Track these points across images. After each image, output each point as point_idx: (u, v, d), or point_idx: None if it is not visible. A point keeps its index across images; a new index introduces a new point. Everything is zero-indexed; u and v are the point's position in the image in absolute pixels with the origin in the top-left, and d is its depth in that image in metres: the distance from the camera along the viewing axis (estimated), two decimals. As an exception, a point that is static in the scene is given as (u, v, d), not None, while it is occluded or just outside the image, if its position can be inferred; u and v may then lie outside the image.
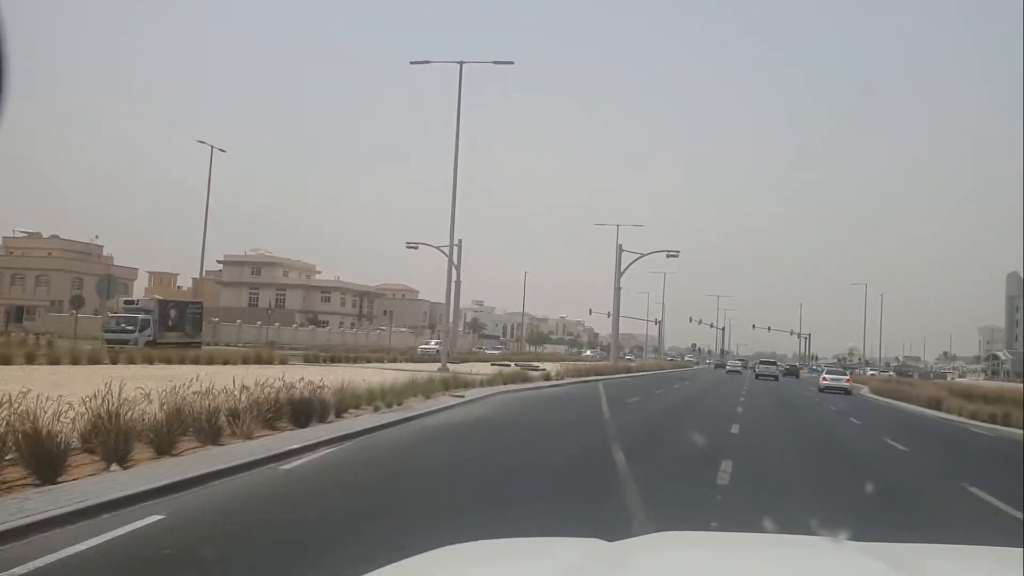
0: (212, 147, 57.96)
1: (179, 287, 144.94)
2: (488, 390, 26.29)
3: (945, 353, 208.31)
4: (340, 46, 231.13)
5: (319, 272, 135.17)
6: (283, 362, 40.19)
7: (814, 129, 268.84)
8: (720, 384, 52.72)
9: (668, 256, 55.82)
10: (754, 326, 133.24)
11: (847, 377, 56.66)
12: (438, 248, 58.24)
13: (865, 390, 62.34)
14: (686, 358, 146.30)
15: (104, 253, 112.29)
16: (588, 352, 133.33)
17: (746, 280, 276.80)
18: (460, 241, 58.00)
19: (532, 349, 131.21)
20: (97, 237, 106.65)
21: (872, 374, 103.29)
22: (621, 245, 57.07)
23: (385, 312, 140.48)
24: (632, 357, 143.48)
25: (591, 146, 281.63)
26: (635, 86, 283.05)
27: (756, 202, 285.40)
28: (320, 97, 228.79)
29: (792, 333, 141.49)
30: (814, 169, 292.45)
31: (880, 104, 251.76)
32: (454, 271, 58.90)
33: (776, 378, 70.60)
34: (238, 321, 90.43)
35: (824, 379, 53.76)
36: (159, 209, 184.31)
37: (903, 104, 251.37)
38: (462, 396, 21.93)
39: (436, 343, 67.01)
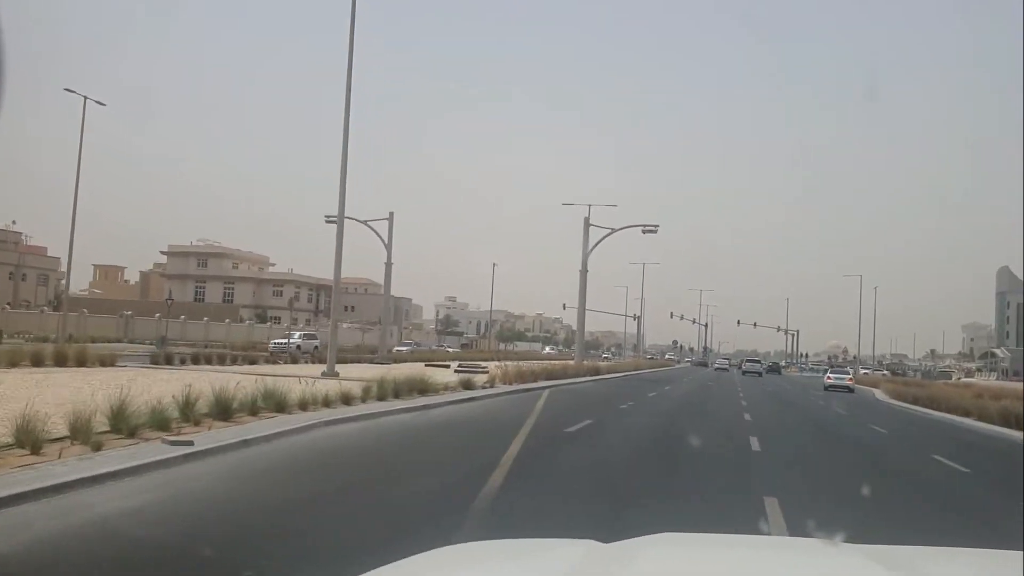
0: (85, 98, 45.24)
1: (126, 281, 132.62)
2: (310, 417, 14.29)
3: (933, 351, 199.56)
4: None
5: (273, 264, 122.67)
6: (107, 363, 28.17)
7: (806, 128, 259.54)
8: (709, 390, 41.03)
9: (645, 232, 44.06)
10: (739, 322, 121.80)
11: (850, 376, 56.89)
12: (365, 223, 46.44)
13: (879, 393, 51.31)
14: (667, 356, 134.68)
15: (32, 242, 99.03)
16: (548, 349, 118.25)
17: (731, 276, 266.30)
18: (392, 214, 46.21)
19: (503, 347, 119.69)
20: (15, 223, 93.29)
21: (865, 373, 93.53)
22: (588, 219, 45.28)
23: (347, 307, 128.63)
24: (609, 355, 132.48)
25: (579, 144, 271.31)
26: (629, 84, 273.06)
27: (743, 199, 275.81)
28: (282, 79, 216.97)
29: (779, 329, 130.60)
30: (800, 167, 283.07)
31: (875, 105, 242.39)
32: (385, 252, 47.03)
33: (760, 374, 78.07)
34: (156, 315, 78.26)
35: (829, 378, 54.28)
36: (101, 197, 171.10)
37: (898, 105, 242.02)
38: (189, 444, 9.98)
39: (302, 335, 54.28)
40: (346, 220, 46.73)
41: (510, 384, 28.01)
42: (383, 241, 45.51)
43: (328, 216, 46.44)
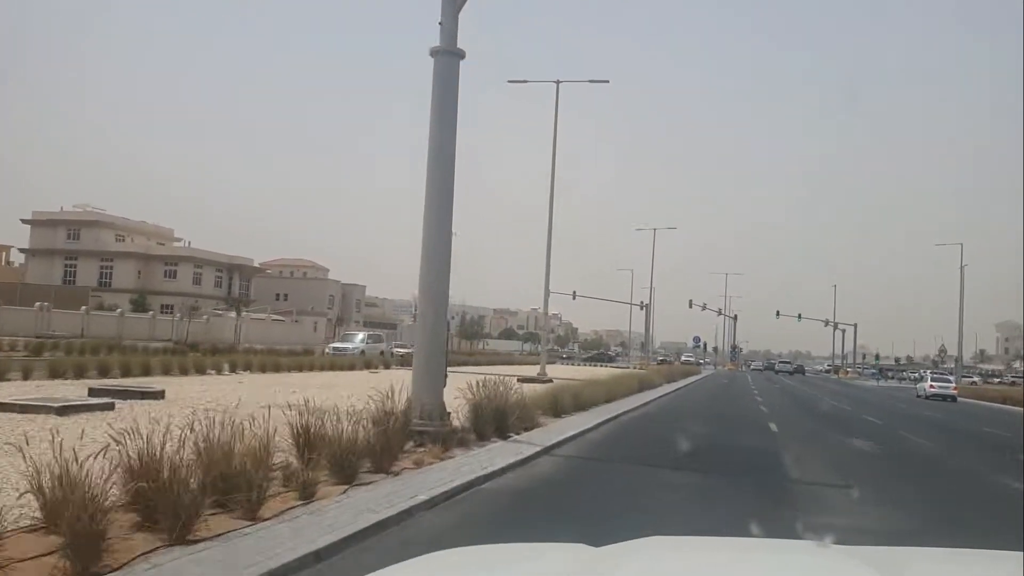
0: None
1: (11, 263, 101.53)
2: None
3: (982, 351, 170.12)
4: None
5: (179, 240, 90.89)
6: None
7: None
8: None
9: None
10: (778, 313, 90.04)
11: (954, 385, 48.47)
12: None
13: None
14: (684, 357, 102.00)
15: None
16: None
17: (764, 266, 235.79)
18: None
19: (470, 345, 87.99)
20: None
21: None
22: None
23: (279, 295, 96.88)
24: (612, 354, 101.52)
25: (594, 139, 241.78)
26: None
27: (772, 182, 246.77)
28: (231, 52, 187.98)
29: (827, 323, 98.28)
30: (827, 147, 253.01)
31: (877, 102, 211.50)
32: None
33: (789, 373, 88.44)
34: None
35: (931, 386, 46.65)
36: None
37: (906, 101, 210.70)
38: None
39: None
40: None
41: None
42: None
43: None
